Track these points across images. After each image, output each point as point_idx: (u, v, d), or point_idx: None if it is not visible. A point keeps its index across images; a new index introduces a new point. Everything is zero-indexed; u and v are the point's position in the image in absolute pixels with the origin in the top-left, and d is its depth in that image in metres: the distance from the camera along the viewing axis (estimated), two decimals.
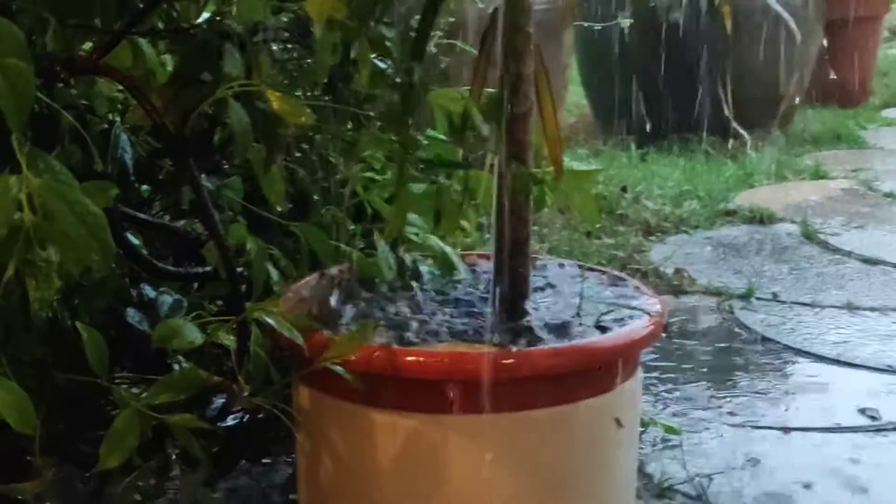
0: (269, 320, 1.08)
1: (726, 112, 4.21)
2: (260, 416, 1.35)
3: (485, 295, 1.27)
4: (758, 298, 2.59)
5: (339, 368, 1.06)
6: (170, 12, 1.16)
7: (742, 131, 4.10)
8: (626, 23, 3.97)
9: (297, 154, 1.38)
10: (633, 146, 4.35)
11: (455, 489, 1.11)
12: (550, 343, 1.14)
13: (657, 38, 4.30)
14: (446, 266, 1.35)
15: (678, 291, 2.64)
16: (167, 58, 1.25)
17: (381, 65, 1.21)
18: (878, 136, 4.97)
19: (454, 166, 1.33)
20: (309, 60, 1.31)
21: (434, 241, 1.36)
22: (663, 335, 1.22)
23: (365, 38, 1.13)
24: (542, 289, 1.31)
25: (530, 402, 1.10)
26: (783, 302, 2.58)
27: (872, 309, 2.52)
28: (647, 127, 4.42)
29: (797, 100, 4.82)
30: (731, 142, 4.36)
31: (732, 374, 2.11)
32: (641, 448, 1.70)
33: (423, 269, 1.36)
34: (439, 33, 1.57)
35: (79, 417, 1.17)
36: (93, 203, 0.84)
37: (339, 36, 1.12)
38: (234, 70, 1.03)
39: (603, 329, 1.18)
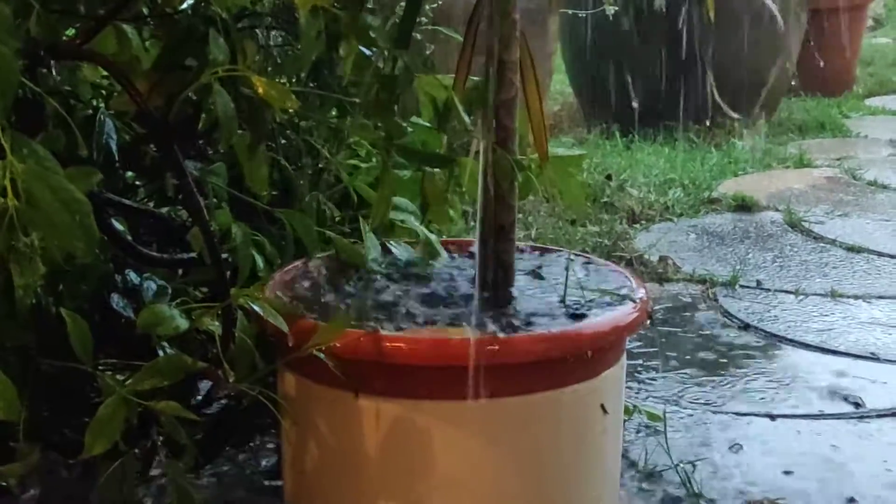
0: (255, 306, 1.08)
1: (714, 97, 4.22)
2: (245, 402, 1.35)
3: (470, 281, 1.27)
4: (742, 286, 2.60)
5: (323, 355, 1.06)
6: None
7: (731, 112, 4.10)
8: (611, 10, 3.97)
9: (283, 141, 1.38)
10: (617, 134, 4.36)
11: (440, 475, 1.11)
12: (535, 329, 1.14)
13: (642, 26, 4.30)
14: (431, 252, 1.35)
15: (663, 279, 2.65)
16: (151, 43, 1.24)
17: (367, 52, 1.21)
18: (862, 125, 4.99)
19: (437, 161, 1.33)
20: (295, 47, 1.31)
21: (420, 227, 1.36)
22: (647, 322, 1.23)
23: (351, 27, 1.12)
24: (526, 275, 1.31)
25: (515, 388, 1.10)
26: (767, 289, 2.59)
27: (856, 296, 2.53)
28: (632, 115, 4.42)
29: (782, 88, 4.83)
30: (715, 129, 4.37)
31: (716, 362, 2.12)
32: (625, 435, 1.71)
33: (407, 255, 1.35)
34: (425, 20, 1.57)
35: (63, 404, 1.17)
36: (77, 189, 0.84)
37: (325, 23, 1.12)
38: (219, 55, 1.02)
39: (587, 316, 1.18)
